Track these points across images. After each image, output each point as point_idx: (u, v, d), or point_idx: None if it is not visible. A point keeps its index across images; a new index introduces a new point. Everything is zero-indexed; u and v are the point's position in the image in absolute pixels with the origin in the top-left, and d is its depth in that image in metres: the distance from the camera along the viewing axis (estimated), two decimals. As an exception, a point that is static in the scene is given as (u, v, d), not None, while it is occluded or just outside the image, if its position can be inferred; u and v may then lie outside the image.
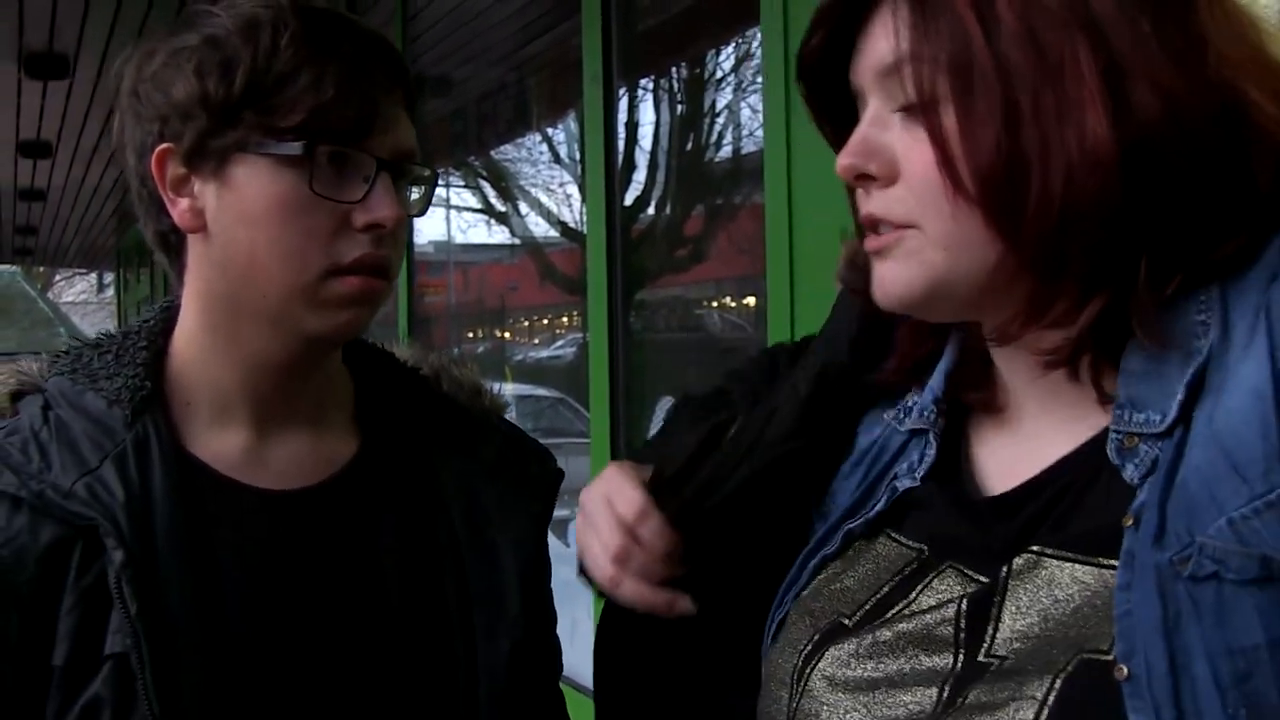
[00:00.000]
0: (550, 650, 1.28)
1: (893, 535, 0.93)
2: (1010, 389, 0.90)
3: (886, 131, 0.83)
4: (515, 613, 1.16)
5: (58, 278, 31.19)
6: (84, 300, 32.00)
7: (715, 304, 3.54)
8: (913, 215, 0.81)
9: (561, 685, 1.31)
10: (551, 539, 1.28)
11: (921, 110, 0.80)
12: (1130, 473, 0.78)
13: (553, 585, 1.28)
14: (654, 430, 3.61)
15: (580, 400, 3.78)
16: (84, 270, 27.51)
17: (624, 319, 3.45)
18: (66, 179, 10.74)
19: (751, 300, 3.28)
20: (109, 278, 26.07)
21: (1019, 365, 0.87)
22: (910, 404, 0.95)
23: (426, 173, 1.15)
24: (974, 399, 0.92)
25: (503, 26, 4.39)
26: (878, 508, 0.94)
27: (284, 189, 1.04)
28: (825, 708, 0.85)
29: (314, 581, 1.10)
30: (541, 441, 1.33)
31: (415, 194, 1.16)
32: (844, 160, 0.84)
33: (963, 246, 0.80)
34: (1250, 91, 0.77)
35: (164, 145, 1.07)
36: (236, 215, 1.06)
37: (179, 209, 1.08)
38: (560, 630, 1.31)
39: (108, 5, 5.68)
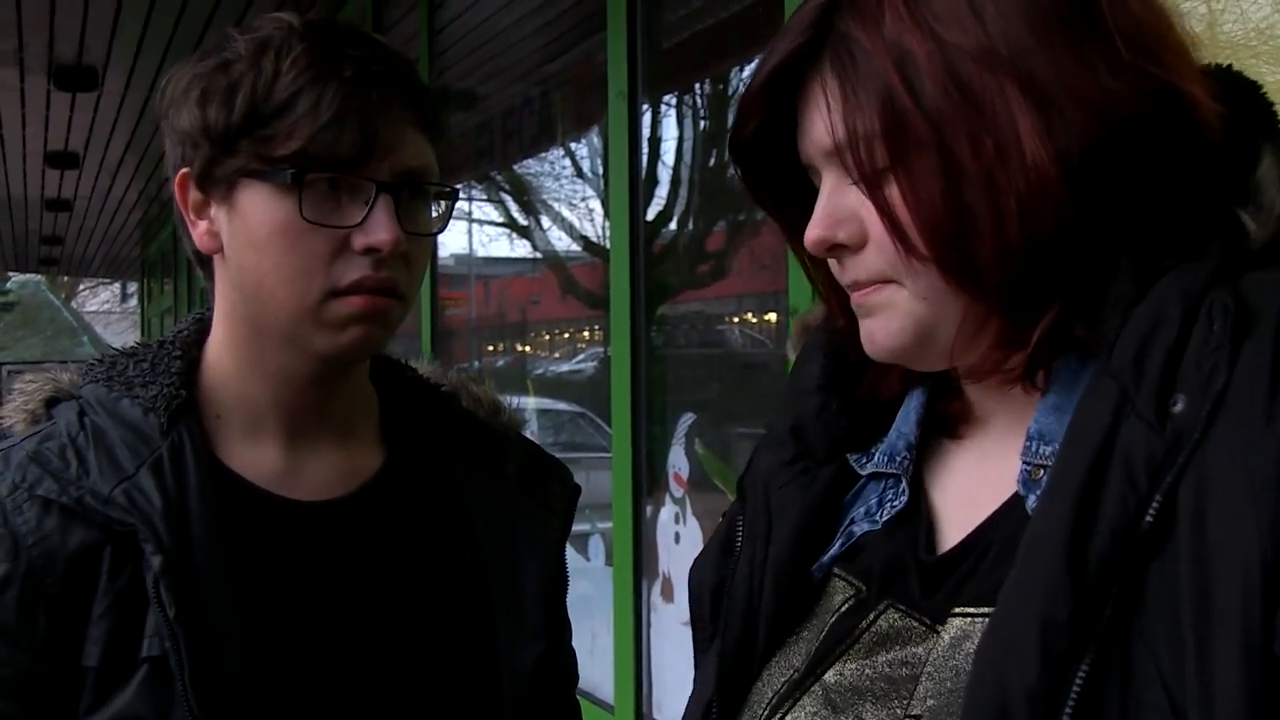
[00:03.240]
0: (568, 661, 1.29)
1: (838, 572, 0.91)
2: (980, 406, 0.89)
3: (847, 198, 0.83)
4: (538, 625, 1.18)
5: (82, 287, 31.38)
6: (107, 310, 32.21)
7: (737, 320, 3.54)
8: (889, 273, 0.82)
9: (579, 698, 1.31)
10: (572, 553, 1.30)
11: (865, 185, 0.80)
12: (1032, 505, 0.78)
13: (573, 599, 1.29)
14: (672, 448, 3.56)
15: (601, 415, 3.78)
16: (108, 280, 27.70)
17: (646, 334, 3.45)
18: (93, 190, 10.82)
19: (773, 316, 3.28)
20: (133, 288, 26.23)
21: (988, 385, 0.86)
22: (874, 450, 0.93)
23: (447, 189, 1.15)
24: (950, 409, 0.91)
25: (528, 42, 4.41)
26: (832, 552, 0.92)
27: (283, 215, 1.06)
28: None
29: (344, 589, 1.12)
30: (562, 456, 1.34)
31: (436, 211, 1.16)
32: (813, 233, 0.84)
33: (939, 297, 0.80)
34: (1187, 86, 0.77)
35: (184, 170, 1.11)
36: (244, 239, 1.08)
37: (198, 231, 1.12)
38: (580, 644, 1.32)
39: (137, 19, 5.72)
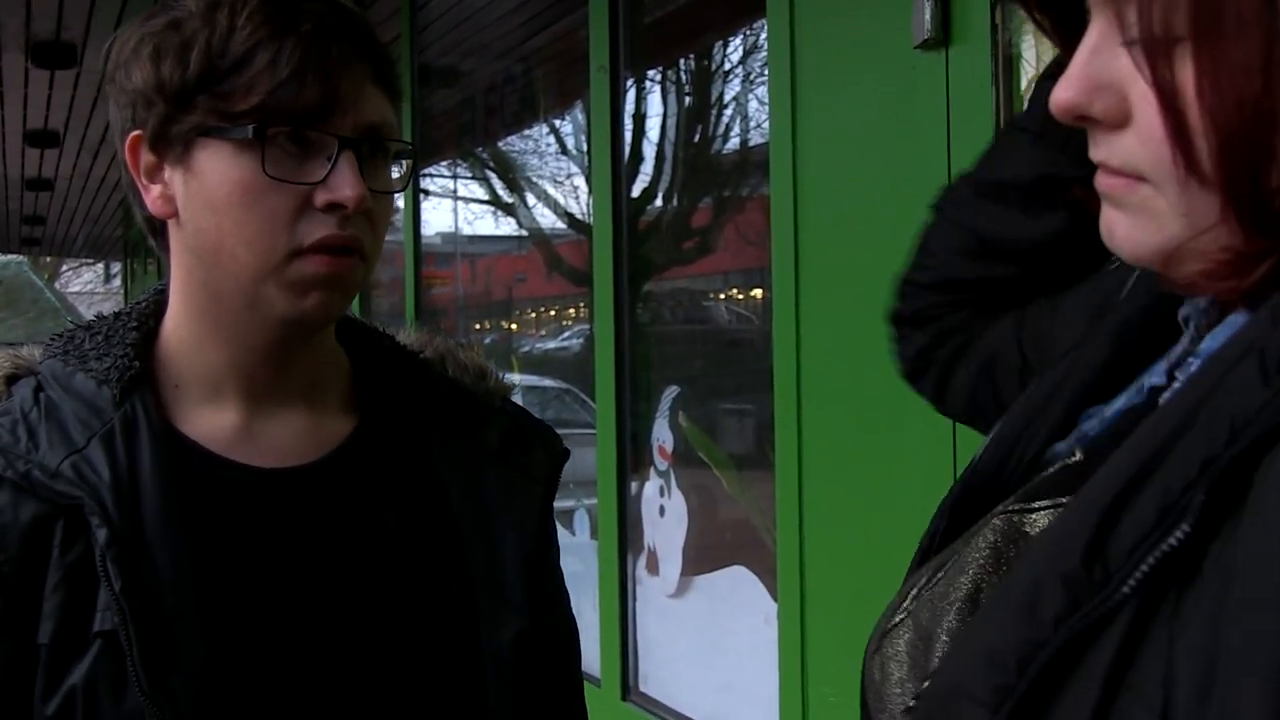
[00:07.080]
0: (566, 632, 1.26)
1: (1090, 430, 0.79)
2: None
3: (1115, 60, 0.64)
4: (519, 599, 1.15)
5: (65, 268, 31.21)
6: (90, 290, 32.04)
7: (722, 296, 3.54)
8: (1146, 171, 0.64)
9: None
10: (558, 528, 1.28)
11: (1146, 53, 0.60)
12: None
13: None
14: (656, 421, 3.55)
15: (586, 391, 3.79)
16: (91, 260, 27.54)
17: (630, 311, 3.45)
18: (74, 169, 10.74)
19: (758, 292, 3.28)
20: (116, 268, 26.10)
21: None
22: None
23: (408, 147, 1.13)
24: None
25: (510, 18, 4.39)
26: (1116, 406, 0.77)
27: (243, 173, 1.04)
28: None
29: (308, 559, 1.10)
30: (547, 433, 1.32)
31: (397, 171, 1.14)
32: (1062, 95, 0.65)
33: (1202, 218, 0.62)
34: None
35: (135, 132, 1.08)
36: (202, 201, 1.06)
37: (152, 196, 1.09)
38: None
39: (116, -5, 5.68)
